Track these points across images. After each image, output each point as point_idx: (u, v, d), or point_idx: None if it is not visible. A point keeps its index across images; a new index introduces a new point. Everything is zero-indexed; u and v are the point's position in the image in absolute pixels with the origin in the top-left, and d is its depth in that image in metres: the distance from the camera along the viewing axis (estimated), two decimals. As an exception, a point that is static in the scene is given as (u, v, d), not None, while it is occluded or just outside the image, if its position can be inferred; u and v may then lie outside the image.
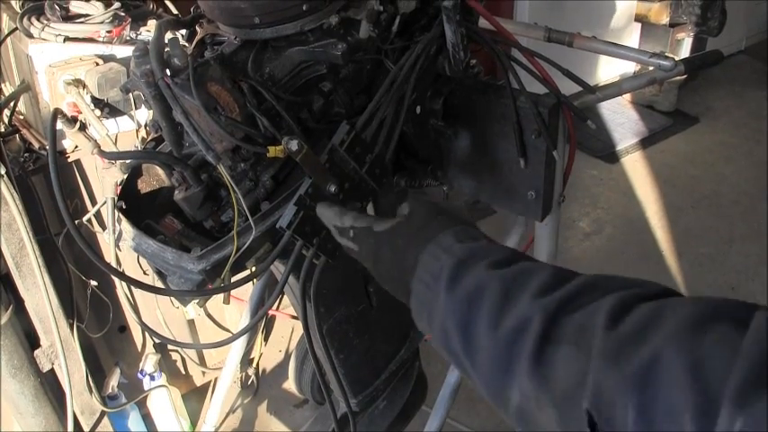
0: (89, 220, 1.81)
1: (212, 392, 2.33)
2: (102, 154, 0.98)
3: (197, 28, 1.05)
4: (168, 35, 0.93)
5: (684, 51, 3.99)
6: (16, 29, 1.70)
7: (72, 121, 1.55)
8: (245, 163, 0.96)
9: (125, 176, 1.05)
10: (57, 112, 0.88)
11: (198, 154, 0.96)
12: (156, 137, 1.06)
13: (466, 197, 3.19)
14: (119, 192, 1.05)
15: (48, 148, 1.68)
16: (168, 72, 0.87)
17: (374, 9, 1.03)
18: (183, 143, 0.96)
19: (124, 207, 1.02)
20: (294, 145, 0.83)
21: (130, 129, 1.72)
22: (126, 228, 0.99)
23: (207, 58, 0.91)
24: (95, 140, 1.57)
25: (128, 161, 1.06)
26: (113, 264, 1.78)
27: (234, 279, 0.96)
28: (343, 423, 1.35)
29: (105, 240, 1.80)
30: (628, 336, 0.55)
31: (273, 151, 0.90)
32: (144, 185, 1.06)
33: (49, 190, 1.77)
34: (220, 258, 0.93)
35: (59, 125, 1.57)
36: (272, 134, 0.94)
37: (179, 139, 0.94)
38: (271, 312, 2.25)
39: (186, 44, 1.06)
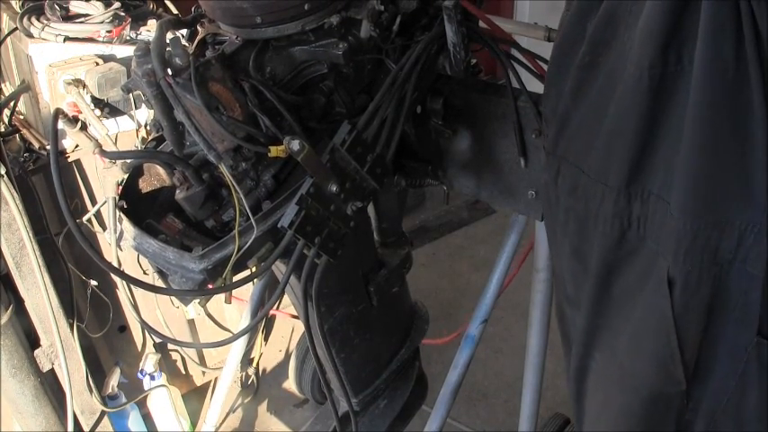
0: (89, 220, 1.81)
1: (212, 392, 2.33)
2: (104, 153, 0.98)
3: (198, 27, 1.05)
4: (169, 35, 0.93)
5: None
6: (16, 29, 1.70)
7: (73, 120, 1.55)
8: (247, 162, 0.96)
9: (126, 176, 1.05)
10: (58, 112, 0.88)
11: (199, 153, 0.96)
12: (158, 136, 1.06)
13: (466, 196, 3.20)
14: (120, 191, 1.05)
15: (49, 148, 1.68)
16: (170, 71, 0.87)
17: (375, 9, 1.04)
18: (184, 142, 0.96)
19: (125, 206, 1.02)
20: (296, 145, 0.84)
21: (130, 129, 1.72)
22: (127, 227, 0.99)
23: (208, 58, 0.91)
24: (96, 140, 1.57)
25: (129, 160, 1.06)
26: (114, 263, 1.78)
27: (235, 279, 0.96)
28: (345, 422, 1.35)
29: (106, 240, 1.80)
30: None
31: (275, 151, 0.90)
32: (145, 185, 1.06)
33: (50, 190, 1.77)
34: (222, 258, 0.93)
35: (60, 125, 1.57)
36: (274, 134, 0.94)
37: (180, 139, 0.95)
38: (271, 312, 2.24)
39: (187, 44, 1.06)
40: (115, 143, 1.64)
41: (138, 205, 1.03)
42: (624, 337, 0.93)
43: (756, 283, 0.77)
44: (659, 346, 0.87)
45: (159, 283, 1.00)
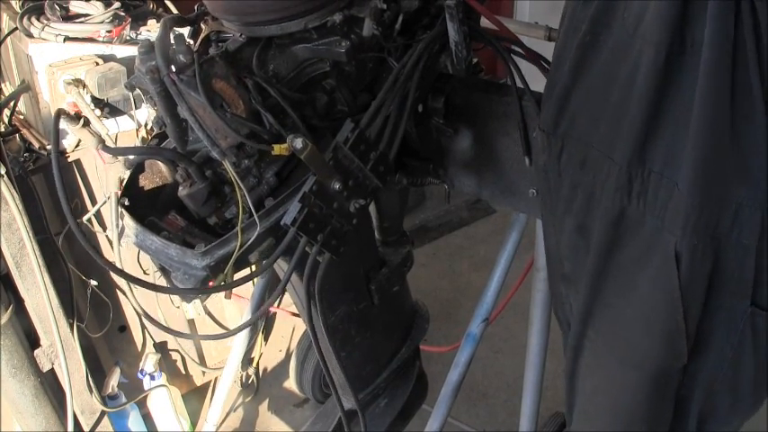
0: (89, 220, 1.80)
1: (212, 392, 2.32)
2: (107, 149, 0.98)
3: (201, 25, 1.05)
4: (173, 32, 0.93)
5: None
6: (16, 29, 1.70)
7: (76, 117, 1.54)
8: (250, 159, 0.96)
9: (128, 173, 1.05)
10: (59, 113, 0.88)
11: (202, 150, 0.97)
12: (160, 133, 1.06)
13: (466, 196, 3.20)
14: (122, 188, 1.05)
15: (49, 148, 1.68)
16: (173, 68, 0.87)
17: (378, 7, 1.04)
18: (187, 139, 0.96)
19: (127, 204, 1.02)
20: (299, 143, 0.84)
21: (131, 128, 1.72)
22: (129, 224, 0.98)
23: (212, 55, 0.92)
24: (99, 136, 1.57)
25: (131, 157, 1.06)
26: (116, 262, 1.78)
27: (235, 277, 0.96)
28: (350, 418, 1.35)
29: (107, 239, 1.80)
30: None
31: (278, 149, 0.90)
32: (147, 182, 1.06)
33: (50, 190, 1.77)
34: (224, 254, 0.93)
35: (63, 124, 1.57)
36: (278, 131, 0.94)
37: (183, 136, 0.95)
38: (271, 310, 2.24)
39: (190, 41, 1.06)
40: (115, 143, 1.63)
41: (141, 202, 1.03)
42: (627, 313, 0.96)
43: (750, 253, 0.82)
44: (667, 321, 0.90)
45: (160, 281, 1.00)
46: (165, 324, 2.04)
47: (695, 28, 0.75)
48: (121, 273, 1.03)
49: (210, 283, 0.95)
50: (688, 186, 0.80)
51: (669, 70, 0.79)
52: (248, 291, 1.93)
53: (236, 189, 0.93)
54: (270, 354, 2.50)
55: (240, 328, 1.04)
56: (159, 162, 1.01)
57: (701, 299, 0.86)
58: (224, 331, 2.24)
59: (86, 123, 1.57)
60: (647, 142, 0.83)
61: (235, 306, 2.19)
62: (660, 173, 0.84)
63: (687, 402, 0.99)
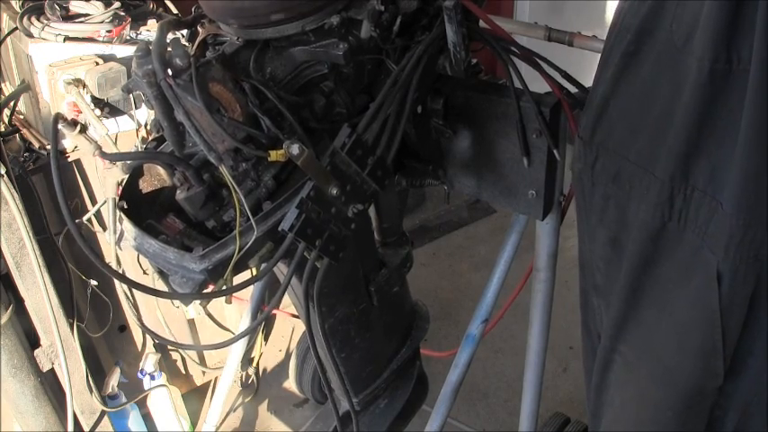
0: (89, 220, 1.80)
1: (212, 392, 2.32)
2: (104, 155, 0.98)
3: (198, 28, 1.05)
4: (170, 35, 0.92)
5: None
6: (16, 29, 1.70)
7: (73, 124, 1.55)
8: (247, 163, 0.96)
9: (126, 176, 1.05)
10: (57, 117, 0.88)
11: (200, 154, 0.96)
12: (158, 137, 1.05)
13: (466, 196, 3.20)
14: (120, 192, 1.05)
15: (50, 148, 1.68)
16: (170, 72, 0.87)
17: (376, 9, 1.03)
18: (184, 143, 0.96)
19: (126, 207, 1.02)
20: (295, 149, 0.83)
21: (130, 129, 1.72)
22: (128, 227, 0.98)
23: (209, 58, 0.91)
24: (96, 142, 1.57)
25: (129, 161, 1.05)
26: (114, 265, 1.78)
27: (235, 282, 0.96)
28: (345, 422, 1.35)
29: (106, 240, 1.80)
30: None
31: (275, 155, 0.90)
32: (145, 185, 1.06)
33: (50, 190, 1.77)
34: (222, 258, 0.93)
35: (60, 127, 1.57)
36: (275, 134, 0.94)
37: (181, 140, 0.94)
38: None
39: (188, 44, 1.05)
40: (115, 143, 1.63)
41: (139, 205, 1.03)
42: (661, 330, 0.94)
43: None
44: (703, 340, 0.88)
45: (159, 283, 1.00)
46: (164, 325, 2.05)
47: (742, 46, 0.74)
48: (120, 276, 1.03)
49: (210, 287, 0.95)
50: (732, 206, 0.79)
51: (715, 87, 0.77)
52: (247, 292, 1.93)
53: (233, 193, 0.93)
54: (270, 354, 2.50)
55: (239, 337, 1.04)
56: (157, 165, 1.01)
57: (740, 320, 0.85)
58: (224, 333, 2.24)
59: (83, 130, 1.57)
60: (690, 159, 0.82)
61: (235, 307, 2.19)
62: (703, 191, 0.82)
63: (720, 423, 0.97)
